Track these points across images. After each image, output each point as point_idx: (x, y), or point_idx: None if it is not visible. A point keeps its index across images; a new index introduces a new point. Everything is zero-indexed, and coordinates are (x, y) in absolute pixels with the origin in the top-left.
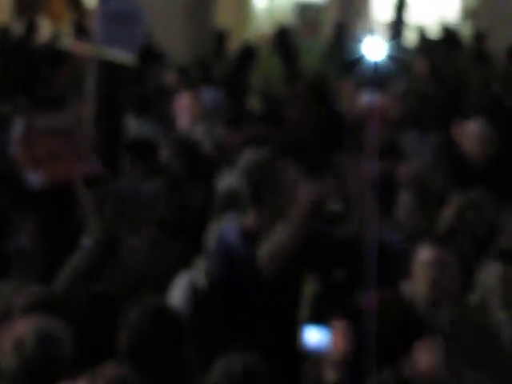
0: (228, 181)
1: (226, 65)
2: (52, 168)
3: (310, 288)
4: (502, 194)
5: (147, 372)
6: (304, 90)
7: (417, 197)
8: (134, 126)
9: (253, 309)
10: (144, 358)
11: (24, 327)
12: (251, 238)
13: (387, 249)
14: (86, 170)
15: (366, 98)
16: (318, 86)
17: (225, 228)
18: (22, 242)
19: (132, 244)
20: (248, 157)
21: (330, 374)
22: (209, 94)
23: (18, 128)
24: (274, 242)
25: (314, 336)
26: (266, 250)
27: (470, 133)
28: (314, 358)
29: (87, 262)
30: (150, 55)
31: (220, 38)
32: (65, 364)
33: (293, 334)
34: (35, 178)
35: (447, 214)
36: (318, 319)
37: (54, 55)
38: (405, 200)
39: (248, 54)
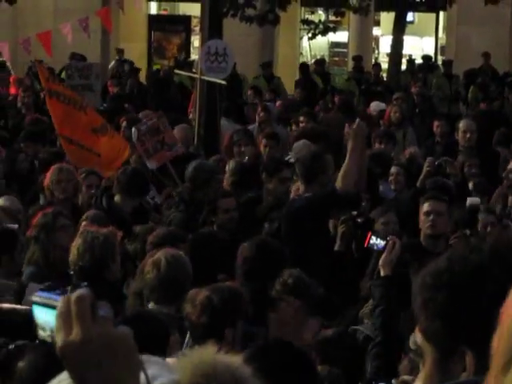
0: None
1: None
2: (155, 158)
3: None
4: None
5: (254, 284)
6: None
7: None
8: (225, 124)
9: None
10: (252, 277)
11: (159, 254)
12: None
13: None
14: (171, 155)
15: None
16: (346, 100)
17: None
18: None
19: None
20: (302, 146)
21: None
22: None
23: (134, 134)
24: (343, 169)
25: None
26: (338, 176)
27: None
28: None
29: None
30: (235, 79)
31: (266, 65)
32: (187, 280)
33: None
34: (150, 164)
35: None
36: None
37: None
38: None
39: None
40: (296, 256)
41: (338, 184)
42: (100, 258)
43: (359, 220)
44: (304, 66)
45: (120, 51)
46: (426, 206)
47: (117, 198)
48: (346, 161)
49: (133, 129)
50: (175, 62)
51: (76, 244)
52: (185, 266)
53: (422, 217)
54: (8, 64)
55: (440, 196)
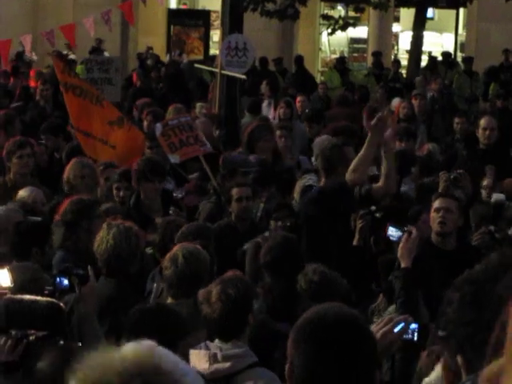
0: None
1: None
2: (182, 151)
3: None
4: None
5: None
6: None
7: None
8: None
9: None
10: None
11: (176, 249)
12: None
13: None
14: (204, 150)
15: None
16: (364, 93)
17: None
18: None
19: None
20: (321, 140)
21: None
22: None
23: (158, 128)
24: (355, 161)
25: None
26: (350, 168)
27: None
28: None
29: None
30: (255, 73)
31: (299, 59)
32: (205, 273)
33: None
34: (173, 158)
35: None
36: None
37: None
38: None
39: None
40: (314, 249)
41: (348, 177)
42: (133, 250)
43: (378, 215)
44: (299, 58)
45: (149, 48)
46: (436, 203)
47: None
48: (361, 153)
49: (157, 124)
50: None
51: (105, 235)
52: (202, 260)
53: (432, 213)
54: (31, 56)
55: (450, 193)
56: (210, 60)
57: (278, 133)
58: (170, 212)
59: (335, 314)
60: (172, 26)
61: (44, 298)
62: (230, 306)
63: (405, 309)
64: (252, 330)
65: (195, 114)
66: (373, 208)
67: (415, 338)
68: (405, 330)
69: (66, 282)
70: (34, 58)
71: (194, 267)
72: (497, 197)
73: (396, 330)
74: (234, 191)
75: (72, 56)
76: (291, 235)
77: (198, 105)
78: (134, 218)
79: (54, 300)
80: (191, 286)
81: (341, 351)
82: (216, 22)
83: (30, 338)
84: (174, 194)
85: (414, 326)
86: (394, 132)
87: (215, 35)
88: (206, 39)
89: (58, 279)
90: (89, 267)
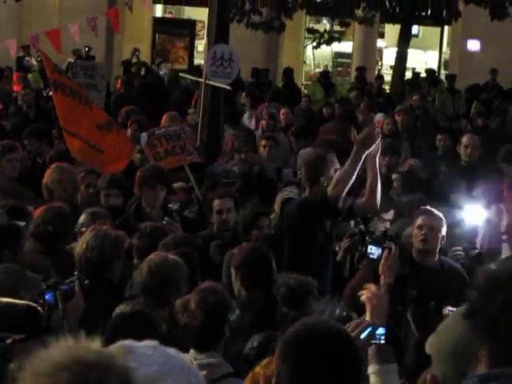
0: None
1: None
2: (166, 161)
3: None
4: None
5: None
6: (339, 111)
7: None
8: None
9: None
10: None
11: (146, 260)
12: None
13: None
14: (191, 159)
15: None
16: (347, 108)
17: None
18: None
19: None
20: (306, 152)
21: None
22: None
23: (144, 137)
24: (338, 174)
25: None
26: (332, 181)
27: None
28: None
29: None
30: (239, 84)
31: (288, 72)
32: (180, 283)
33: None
34: None
35: None
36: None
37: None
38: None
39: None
40: (294, 260)
41: (329, 190)
42: (107, 256)
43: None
44: (288, 71)
45: (136, 50)
46: (419, 220)
47: None
48: (344, 168)
49: (143, 133)
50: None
51: (85, 238)
52: (170, 270)
53: (415, 230)
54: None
55: (434, 211)
56: (194, 70)
57: (262, 143)
58: (164, 222)
59: (323, 327)
60: (157, 35)
61: (21, 302)
62: (211, 313)
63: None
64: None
65: (188, 121)
66: (362, 228)
67: (382, 343)
68: (372, 334)
69: (52, 297)
70: (34, 62)
71: (159, 278)
72: None
73: (363, 335)
74: (215, 203)
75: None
76: (264, 246)
77: (190, 111)
78: (132, 226)
79: (31, 303)
80: (158, 297)
81: (330, 364)
82: (201, 31)
83: (7, 341)
84: (170, 206)
85: (381, 330)
86: (379, 148)
87: (200, 45)
88: (190, 49)
89: (46, 295)
90: (76, 282)
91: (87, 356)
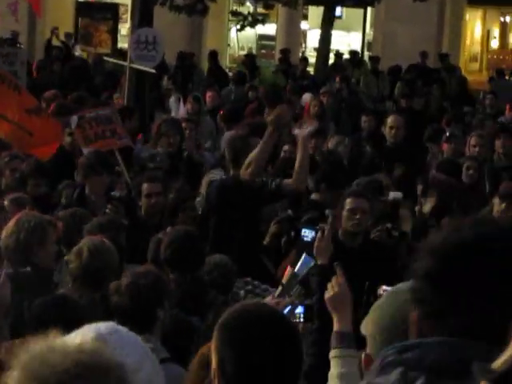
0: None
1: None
2: (96, 144)
3: None
4: None
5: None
6: (264, 94)
7: None
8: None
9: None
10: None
11: (82, 243)
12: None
13: None
14: (122, 143)
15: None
16: (273, 90)
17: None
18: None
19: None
20: (229, 134)
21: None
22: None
23: (74, 120)
24: (251, 155)
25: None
26: (245, 162)
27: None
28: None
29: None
30: (163, 68)
31: (213, 55)
32: (111, 268)
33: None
34: (86, 151)
35: None
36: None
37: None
38: None
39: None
40: (218, 240)
41: (243, 170)
42: (24, 242)
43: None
44: (213, 54)
45: (55, 28)
46: (350, 203)
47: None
48: (257, 149)
49: (73, 116)
50: None
51: (9, 225)
52: (108, 254)
53: (345, 212)
54: None
55: (363, 193)
56: (117, 53)
57: (183, 125)
58: (107, 210)
59: (263, 310)
60: (80, 19)
61: None
62: (140, 296)
63: (320, 305)
64: (165, 326)
65: (117, 105)
66: (290, 212)
67: (301, 321)
68: (292, 313)
69: None
70: None
71: (99, 261)
72: (394, 195)
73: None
74: (144, 187)
75: None
76: (191, 228)
77: (116, 95)
78: None
79: None
80: (96, 280)
81: (273, 344)
82: (124, 15)
83: None
84: (112, 193)
85: (300, 309)
86: (310, 129)
87: (123, 29)
88: (114, 33)
89: None
90: (3, 272)
91: (84, 357)
